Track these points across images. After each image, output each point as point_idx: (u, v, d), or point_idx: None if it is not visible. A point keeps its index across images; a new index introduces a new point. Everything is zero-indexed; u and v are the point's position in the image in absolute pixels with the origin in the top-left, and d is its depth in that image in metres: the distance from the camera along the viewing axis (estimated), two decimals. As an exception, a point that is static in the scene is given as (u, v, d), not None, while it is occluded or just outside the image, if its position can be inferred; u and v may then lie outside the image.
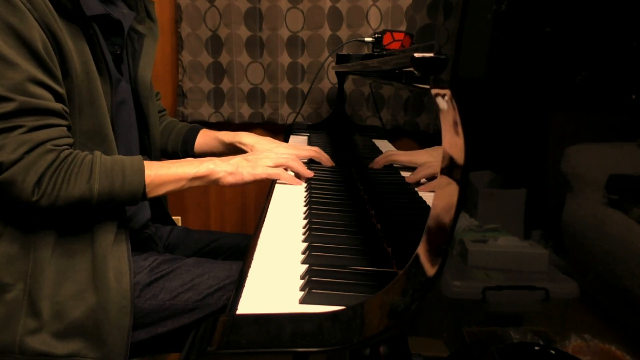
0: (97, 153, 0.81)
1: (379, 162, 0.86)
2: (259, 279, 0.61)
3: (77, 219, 0.81)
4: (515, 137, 0.42)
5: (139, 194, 0.82)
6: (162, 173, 0.85)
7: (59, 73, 0.77)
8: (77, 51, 0.79)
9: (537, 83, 0.40)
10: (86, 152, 0.80)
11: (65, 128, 0.79)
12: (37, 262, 0.78)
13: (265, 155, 0.98)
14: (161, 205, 1.14)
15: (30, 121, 0.73)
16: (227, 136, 1.17)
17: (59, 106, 0.77)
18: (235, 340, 0.43)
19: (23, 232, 0.79)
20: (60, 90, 0.78)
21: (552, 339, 0.43)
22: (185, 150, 1.19)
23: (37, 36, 0.73)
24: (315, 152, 1.15)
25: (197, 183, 0.89)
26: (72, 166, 0.77)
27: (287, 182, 1.00)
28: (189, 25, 1.83)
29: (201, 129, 1.22)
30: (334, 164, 1.17)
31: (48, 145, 0.75)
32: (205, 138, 1.20)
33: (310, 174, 1.04)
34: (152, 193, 0.85)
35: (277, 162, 0.98)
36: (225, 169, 0.90)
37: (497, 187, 0.41)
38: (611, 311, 0.42)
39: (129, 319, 0.81)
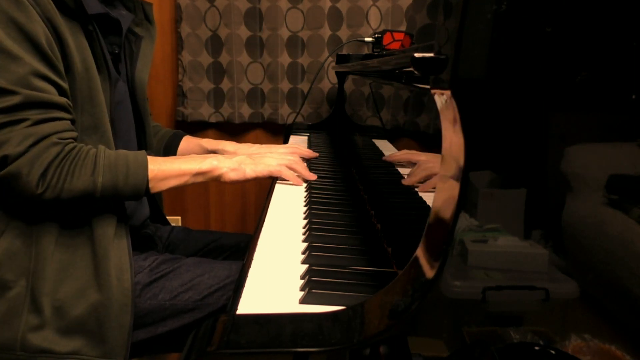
0: (101, 147, 0.81)
1: (395, 158, 0.85)
2: (259, 279, 0.61)
3: (78, 215, 0.81)
4: (515, 137, 0.42)
5: (142, 189, 0.82)
6: (166, 168, 0.85)
7: (61, 68, 0.78)
8: (77, 48, 0.80)
9: (537, 83, 0.40)
10: (90, 146, 0.81)
11: (69, 122, 0.79)
12: (39, 258, 0.79)
13: (270, 155, 0.99)
14: (157, 205, 1.14)
15: (35, 114, 0.74)
16: (210, 144, 1.19)
17: (63, 100, 0.78)
18: (236, 340, 0.43)
19: (25, 229, 0.79)
20: (64, 84, 0.78)
21: (552, 339, 0.43)
22: (167, 155, 1.18)
23: (41, 31, 0.74)
24: (295, 157, 1.09)
25: (200, 179, 0.89)
26: (77, 159, 0.77)
27: (289, 180, 1.00)
28: (189, 25, 1.83)
29: (184, 135, 1.22)
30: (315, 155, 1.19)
31: (53, 138, 0.76)
32: (188, 144, 1.20)
33: (312, 176, 1.04)
34: (156, 188, 0.85)
35: (281, 162, 0.98)
36: (228, 165, 0.91)
37: (497, 187, 0.41)
38: (611, 311, 0.42)
39: (129, 317, 0.81)
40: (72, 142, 0.79)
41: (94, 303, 0.79)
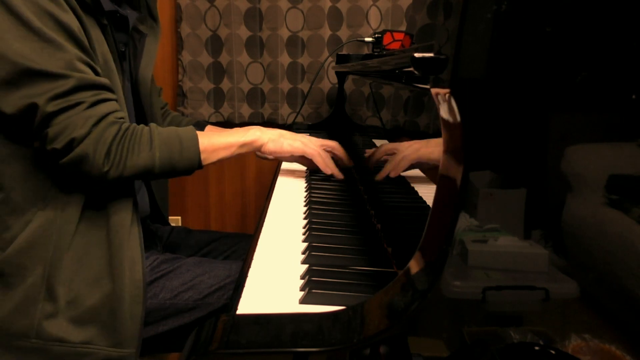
0: (153, 125, 0.84)
1: (376, 157, 0.87)
2: (259, 279, 0.61)
3: (98, 202, 0.82)
4: (516, 137, 0.42)
5: (196, 161, 0.85)
6: (214, 141, 0.89)
7: (94, 56, 0.80)
8: (97, 41, 0.82)
9: (537, 83, 0.40)
10: (142, 125, 0.83)
11: (116, 102, 0.82)
12: (57, 248, 0.79)
13: (309, 139, 1.03)
14: (156, 205, 1.14)
15: (89, 96, 0.76)
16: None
17: (107, 81, 0.80)
18: (236, 340, 0.43)
19: (50, 220, 0.80)
20: (100, 70, 0.80)
21: (552, 339, 0.43)
22: None
23: (74, 21, 0.76)
24: (334, 142, 1.10)
25: (244, 150, 0.94)
26: (134, 137, 0.80)
27: (321, 167, 1.02)
28: (189, 25, 1.83)
29: (207, 124, 1.24)
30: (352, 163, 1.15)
31: (110, 118, 0.78)
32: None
33: (349, 163, 1.08)
34: (207, 160, 0.88)
35: (323, 143, 1.03)
36: (269, 136, 0.96)
37: (497, 187, 0.41)
38: (611, 311, 0.42)
39: (141, 308, 0.82)
40: (126, 122, 0.81)
41: (108, 293, 0.80)
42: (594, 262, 0.42)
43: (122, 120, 0.81)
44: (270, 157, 1.01)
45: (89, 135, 0.75)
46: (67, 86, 0.74)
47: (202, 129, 1.21)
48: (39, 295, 0.79)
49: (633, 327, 0.41)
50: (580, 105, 0.41)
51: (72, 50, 0.75)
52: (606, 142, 0.42)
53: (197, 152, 0.85)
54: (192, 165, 0.85)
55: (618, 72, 0.39)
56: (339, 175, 1.05)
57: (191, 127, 0.88)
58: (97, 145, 0.76)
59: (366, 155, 0.86)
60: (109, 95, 0.80)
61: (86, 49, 0.78)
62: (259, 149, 0.96)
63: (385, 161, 0.78)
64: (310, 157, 1.01)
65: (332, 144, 1.07)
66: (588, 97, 0.40)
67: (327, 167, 1.03)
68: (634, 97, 0.38)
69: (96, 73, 0.79)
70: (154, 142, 0.81)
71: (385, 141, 0.88)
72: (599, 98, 0.40)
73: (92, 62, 0.78)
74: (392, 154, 0.76)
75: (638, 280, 0.40)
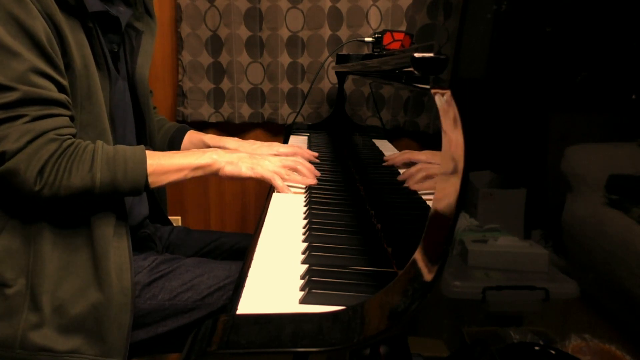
0: (99, 142, 0.81)
1: (396, 161, 0.84)
2: (259, 279, 0.61)
3: (77, 213, 0.81)
4: (516, 137, 0.42)
5: (142, 184, 0.81)
6: (164, 162, 0.85)
7: (61, 65, 0.78)
8: (77, 45, 0.80)
9: (537, 83, 0.40)
10: (88, 142, 0.80)
11: (68, 118, 0.79)
12: (37, 256, 0.79)
13: (269, 159, 0.97)
14: (157, 205, 1.14)
15: (33, 111, 0.73)
16: (212, 140, 1.18)
17: (62, 96, 0.77)
18: (235, 340, 0.43)
19: (24, 226, 0.79)
20: (63, 81, 0.78)
21: (552, 339, 0.43)
22: (171, 149, 1.19)
23: (41, 27, 0.73)
24: (295, 159, 1.05)
25: (199, 173, 0.89)
26: (74, 155, 0.77)
27: (278, 190, 0.96)
28: (189, 25, 1.83)
29: (189, 129, 1.22)
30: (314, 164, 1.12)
31: (51, 135, 0.75)
32: (191, 139, 1.20)
33: (312, 180, 1.01)
34: (155, 183, 0.84)
35: (278, 168, 0.96)
36: (226, 159, 0.91)
37: (497, 187, 0.41)
38: (611, 311, 0.42)
39: (129, 316, 0.81)
40: (71, 138, 0.79)
41: (94, 302, 0.79)
42: (594, 262, 0.42)
43: (65, 137, 0.77)
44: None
45: (23, 150, 0.73)
46: (10, 98, 0.71)
47: (182, 134, 1.19)
48: (23, 305, 0.78)
49: (633, 327, 0.41)
50: (580, 105, 0.41)
51: (30, 60, 0.73)
52: (606, 142, 0.42)
53: (144, 174, 0.81)
54: (138, 187, 0.81)
55: (618, 72, 0.39)
56: (311, 180, 1.00)
57: (141, 146, 0.84)
58: (29, 162, 0.73)
59: (385, 159, 0.84)
60: (58, 110, 0.77)
61: (50, 58, 0.75)
62: (216, 172, 0.91)
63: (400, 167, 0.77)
64: (268, 181, 0.96)
65: (293, 163, 1.01)
66: (588, 97, 0.40)
67: (284, 189, 0.96)
68: (634, 97, 0.38)
69: (58, 84, 0.77)
70: (96, 163, 0.78)
71: (386, 141, 0.88)
72: (599, 98, 0.40)
73: (53, 73, 0.75)
74: (411, 162, 0.74)
75: (638, 280, 0.40)
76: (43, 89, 0.74)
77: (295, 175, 1.00)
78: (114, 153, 0.80)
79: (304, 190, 0.99)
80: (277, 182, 0.96)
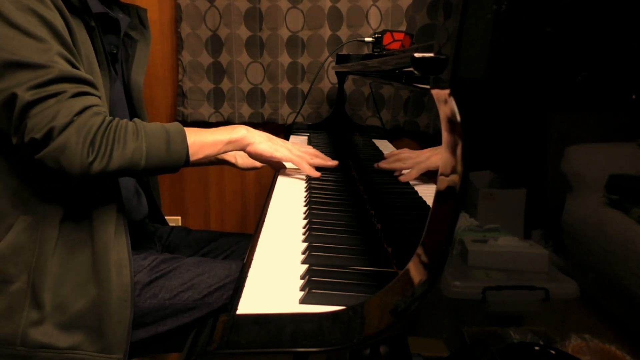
0: (137, 119, 0.82)
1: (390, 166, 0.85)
2: (259, 279, 0.61)
3: (81, 210, 0.81)
4: (515, 137, 0.42)
5: (184, 156, 0.82)
6: (201, 137, 0.87)
7: (77, 55, 0.79)
8: (82, 42, 0.81)
9: (537, 83, 0.40)
10: (126, 119, 0.81)
11: (99, 98, 0.80)
12: (41, 253, 0.79)
13: (288, 146, 1.03)
14: (155, 205, 1.14)
15: (71, 87, 0.74)
16: None
17: (91, 77, 0.78)
18: (236, 340, 0.43)
19: (33, 223, 0.79)
20: (83, 69, 0.79)
21: (552, 339, 0.43)
22: None
23: (58, 20, 0.75)
24: (308, 148, 1.12)
25: (230, 147, 0.93)
26: (119, 128, 0.77)
27: (305, 172, 1.03)
28: (189, 25, 1.83)
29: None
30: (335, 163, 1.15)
31: (94, 109, 0.76)
32: None
33: (333, 163, 1.09)
34: (194, 156, 0.85)
35: (304, 150, 1.04)
36: (256, 135, 0.95)
37: (497, 187, 0.41)
38: (611, 311, 0.42)
39: (129, 312, 0.81)
40: (109, 116, 0.79)
41: (94, 298, 0.79)
42: (594, 262, 0.42)
43: (105, 113, 0.78)
44: (257, 162, 1.04)
45: (72, 123, 0.72)
46: (48, 76, 0.72)
47: None
48: (25, 302, 0.78)
49: (633, 327, 0.41)
50: (580, 105, 0.41)
51: (55, 46, 0.74)
52: (606, 142, 0.42)
53: (185, 147, 0.82)
54: (180, 159, 0.82)
55: (618, 72, 0.39)
56: (314, 174, 1.05)
57: (177, 123, 0.85)
58: (79, 134, 0.72)
59: (386, 157, 0.85)
60: (91, 90, 0.77)
61: (69, 47, 0.76)
62: (245, 147, 0.94)
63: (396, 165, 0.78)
64: (297, 166, 1.02)
65: (312, 150, 1.09)
66: (588, 97, 0.40)
67: (312, 172, 1.04)
68: (634, 97, 0.38)
69: (78, 70, 0.78)
70: (140, 135, 0.78)
71: (386, 141, 0.88)
72: (599, 98, 0.40)
73: (74, 60, 0.77)
74: (405, 158, 0.75)
75: (638, 280, 0.40)
76: (75, 70, 0.76)
77: (317, 159, 1.06)
78: (154, 127, 0.81)
79: (305, 189, 0.99)
80: (304, 165, 1.02)
